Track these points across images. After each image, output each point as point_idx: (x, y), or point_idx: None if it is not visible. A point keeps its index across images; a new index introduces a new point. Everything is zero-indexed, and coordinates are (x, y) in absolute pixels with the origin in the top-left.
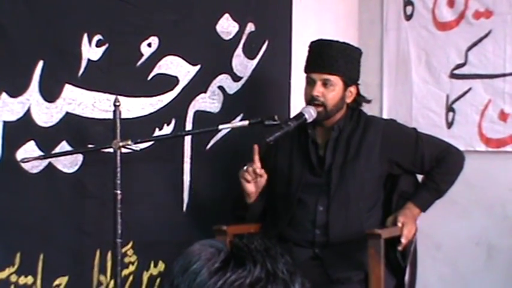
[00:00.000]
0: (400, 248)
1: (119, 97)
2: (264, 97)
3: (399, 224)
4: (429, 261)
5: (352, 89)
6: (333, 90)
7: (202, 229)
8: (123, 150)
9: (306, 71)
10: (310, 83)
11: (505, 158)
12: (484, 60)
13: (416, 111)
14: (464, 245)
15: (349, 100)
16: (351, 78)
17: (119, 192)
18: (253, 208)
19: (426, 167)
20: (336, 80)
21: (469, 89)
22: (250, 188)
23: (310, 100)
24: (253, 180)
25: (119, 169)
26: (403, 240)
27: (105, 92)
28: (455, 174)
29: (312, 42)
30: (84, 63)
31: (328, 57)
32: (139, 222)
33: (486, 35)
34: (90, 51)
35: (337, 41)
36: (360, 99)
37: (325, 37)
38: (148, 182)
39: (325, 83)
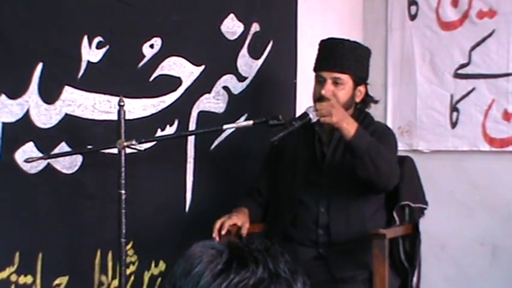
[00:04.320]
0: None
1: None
2: (270, 97)
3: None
4: (433, 261)
5: (362, 88)
6: (343, 89)
7: (205, 229)
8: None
9: (315, 70)
10: (319, 82)
11: (509, 158)
12: (487, 60)
13: (421, 111)
14: (468, 245)
15: (358, 99)
16: (360, 77)
17: (123, 192)
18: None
19: None
20: (346, 79)
21: (473, 89)
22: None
23: (319, 99)
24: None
25: (123, 169)
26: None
27: (105, 94)
28: (388, 169)
29: (322, 41)
30: (83, 65)
31: (339, 55)
32: (141, 222)
33: (490, 35)
34: (90, 53)
35: (347, 40)
36: (368, 99)
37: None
38: (151, 182)
39: (335, 82)
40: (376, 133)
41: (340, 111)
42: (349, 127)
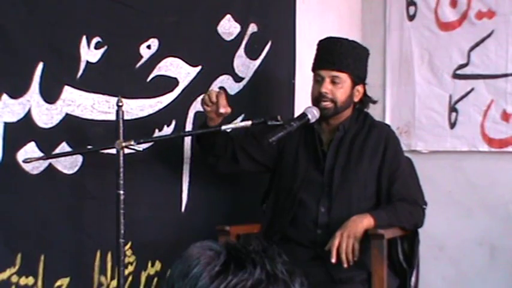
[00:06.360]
0: (332, 260)
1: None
2: (267, 98)
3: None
4: (432, 261)
5: (360, 88)
6: (341, 88)
7: (201, 229)
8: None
9: (313, 69)
10: (318, 81)
11: (508, 158)
12: (486, 60)
13: (419, 112)
14: (467, 245)
15: (356, 99)
16: (359, 76)
17: (122, 192)
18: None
19: (389, 195)
20: (345, 78)
21: (472, 89)
22: (210, 113)
23: (318, 97)
24: (211, 107)
25: (121, 169)
26: (326, 248)
27: (104, 94)
28: (412, 221)
29: (320, 41)
30: (82, 65)
31: (338, 54)
32: (138, 222)
33: (488, 35)
34: (89, 53)
35: (346, 39)
36: (366, 99)
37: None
38: (148, 183)
39: (333, 80)
40: (388, 138)
41: (351, 228)
42: (368, 223)
